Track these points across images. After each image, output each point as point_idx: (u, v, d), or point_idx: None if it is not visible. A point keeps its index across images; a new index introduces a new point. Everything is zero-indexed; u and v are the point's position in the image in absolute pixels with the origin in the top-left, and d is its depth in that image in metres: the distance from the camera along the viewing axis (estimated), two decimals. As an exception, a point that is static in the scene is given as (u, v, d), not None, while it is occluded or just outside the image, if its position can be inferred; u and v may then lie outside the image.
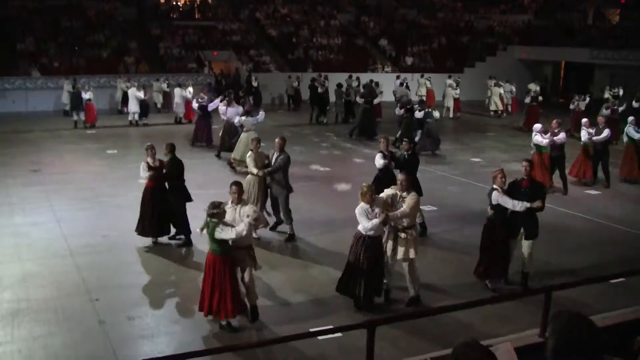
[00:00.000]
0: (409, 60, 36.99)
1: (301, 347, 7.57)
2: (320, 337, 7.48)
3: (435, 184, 15.61)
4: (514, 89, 30.99)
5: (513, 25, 41.36)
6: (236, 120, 17.66)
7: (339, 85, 27.14)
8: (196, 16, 37.63)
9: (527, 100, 26.20)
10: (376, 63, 36.26)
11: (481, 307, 7.95)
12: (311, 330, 7.49)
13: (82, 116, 24.10)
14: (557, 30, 38.15)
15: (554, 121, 15.52)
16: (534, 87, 30.79)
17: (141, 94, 24.95)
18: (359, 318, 8.25)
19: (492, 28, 41.31)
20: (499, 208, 9.31)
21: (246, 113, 17.53)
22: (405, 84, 29.25)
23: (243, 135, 16.51)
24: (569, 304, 7.65)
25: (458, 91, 29.38)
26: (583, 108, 24.27)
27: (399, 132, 20.56)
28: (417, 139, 19.68)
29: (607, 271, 9.81)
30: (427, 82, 31.52)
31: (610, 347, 3.21)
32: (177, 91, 26.09)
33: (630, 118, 17.18)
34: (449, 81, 29.92)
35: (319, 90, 27.44)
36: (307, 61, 34.62)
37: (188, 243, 11.24)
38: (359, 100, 24.24)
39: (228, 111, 18.41)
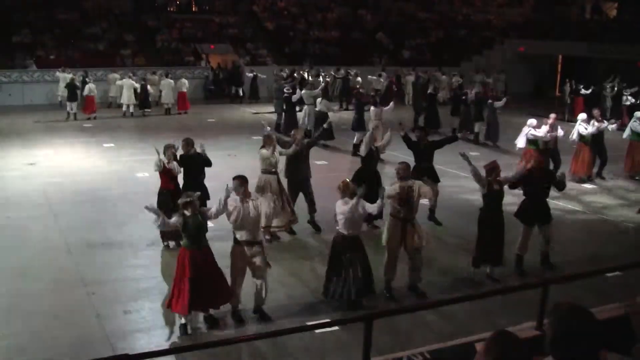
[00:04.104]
0: (406, 54, 36.92)
1: (299, 340, 7.58)
2: (317, 331, 7.50)
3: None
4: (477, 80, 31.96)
5: (510, 19, 41.30)
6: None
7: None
8: (193, 9, 37.53)
9: (582, 92, 27.23)
10: (373, 56, 36.19)
11: (478, 300, 7.97)
12: (309, 323, 7.50)
13: (74, 108, 24.28)
14: (555, 24, 38.10)
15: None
16: (479, 78, 30.99)
17: (137, 85, 25.42)
18: (357, 312, 8.26)
19: (490, 21, 41.24)
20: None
21: (374, 104, 18.80)
22: (380, 75, 30.32)
23: (370, 125, 17.73)
24: (565, 297, 7.67)
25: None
26: (628, 103, 25.03)
27: (459, 122, 22.09)
28: (476, 129, 21.10)
29: (604, 265, 9.84)
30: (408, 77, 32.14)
31: (605, 341, 3.21)
32: (164, 82, 26.70)
33: (638, 113, 17.08)
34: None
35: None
36: (304, 54, 34.54)
37: None
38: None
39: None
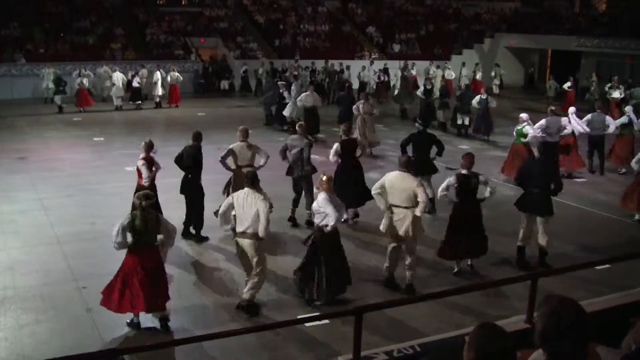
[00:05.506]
0: (397, 48, 36.91)
1: (289, 334, 7.59)
2: (307, 324, 7.51)
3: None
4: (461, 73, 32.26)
5: (500, 12, 41.38)
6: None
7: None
8: (183, 2, 37.38)
9: (566, 86, 27.64)
10: (363, 50, 36.16)
11: (467, 294, 8.01)
12: (299, 317, 7.52)
13: (59, 101, 24.22)
14: (544, 18, 38.20)
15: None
16: (467, 72, 31.10)
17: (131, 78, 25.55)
18: (347, 305, 8.28)
19: (480, 15, 41.30)
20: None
21: (364, 98, 18.85)
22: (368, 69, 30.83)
23: (359, 118, 18.15)
24: (555, 290, 7.72)
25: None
26: (618, 96, 25.49)
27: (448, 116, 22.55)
28: (466, 122, 21.48)
29: (593, 258, 9.90)
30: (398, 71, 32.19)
31: (596, 333, 3.23)
32: (156, 75, 26.57)
33: (628, 108, 17.11)
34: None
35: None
36: (294, 48, 34.47)
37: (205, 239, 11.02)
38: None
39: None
